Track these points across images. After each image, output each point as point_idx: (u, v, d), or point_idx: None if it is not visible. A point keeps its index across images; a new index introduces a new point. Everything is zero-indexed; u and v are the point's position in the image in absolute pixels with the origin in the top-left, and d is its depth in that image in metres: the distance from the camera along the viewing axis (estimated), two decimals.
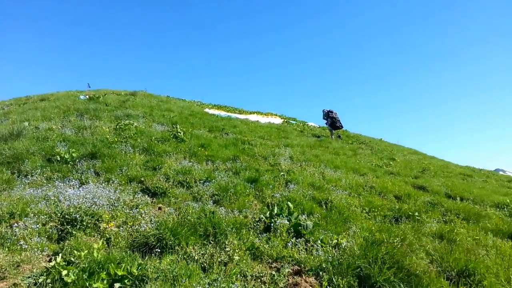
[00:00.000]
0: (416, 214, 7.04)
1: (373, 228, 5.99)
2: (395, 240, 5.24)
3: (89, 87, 21.34)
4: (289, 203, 6.09)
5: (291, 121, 23.89)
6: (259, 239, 5.06)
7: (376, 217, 6.92)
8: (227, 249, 4.55)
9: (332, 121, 19.06)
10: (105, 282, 3.44)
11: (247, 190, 7.18)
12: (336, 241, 5.19)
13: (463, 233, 6.39)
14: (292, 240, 5.04)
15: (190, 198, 6.58)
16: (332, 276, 4.19)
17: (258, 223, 5.59)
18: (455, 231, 6.31)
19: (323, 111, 19.72)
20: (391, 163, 14.23)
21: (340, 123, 19.19)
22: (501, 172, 29.44)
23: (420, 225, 6.64)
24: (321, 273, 4.31)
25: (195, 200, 6.49)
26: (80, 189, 5.85)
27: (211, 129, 13.89)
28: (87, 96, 16.64)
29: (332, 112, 19.29)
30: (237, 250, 4.56)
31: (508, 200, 9.60)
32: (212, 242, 4.74)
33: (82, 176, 6.72)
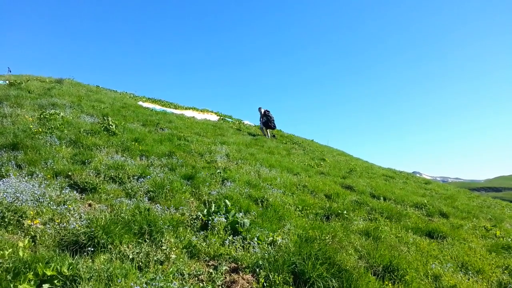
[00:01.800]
0: (345, 212, 7.44)
1: (306, 225, 6.23)
2: (327, 237, 5.50)
3: (10, 71, 19.44)
4: (226, 200, 6.11)
5: (227, 119, 23.89)
6: (196, 237, 5.00)
7: (309, 215, 7.21)
8: (164, 247, 4.43)
9: (267, 119, 19.46)
10: (32, 283, 3.18)
11: (184, 187, 7.06)
12: (272, 238, 5.31)
13: (387, 230, 6.89)
14: (229, 238, 5.06)
15: (123, 194, 6.31)
16: (269, 273, 4.28)
17: (196, 221, 5.53)
18: (380, 229, 6.78)
19: (259, 109, 20.01)
20: (321, 163, 14.85)
21: (274, 123, 19.65)
22: (418, 175, 32.13)
23: (349, 223, 7.04)
24: (257, 270, 4.38)
25: (128, 196, 6.23)
26: (0, 182, 5.34)
27: (145, 123, 13.43)
28: (7, 82, 15.20)
29: (268, 111, 19.70)
30: (174, 249, 4.46)
31: (425, 201, 10.52)
32: (148, 241, 4.59)
33: (2, 169, 6.14)
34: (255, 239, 5.16)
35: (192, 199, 6.74)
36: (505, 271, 6.13)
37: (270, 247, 5.01)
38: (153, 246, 4.45)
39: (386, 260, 5.19)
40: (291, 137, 23.36)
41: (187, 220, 5.51)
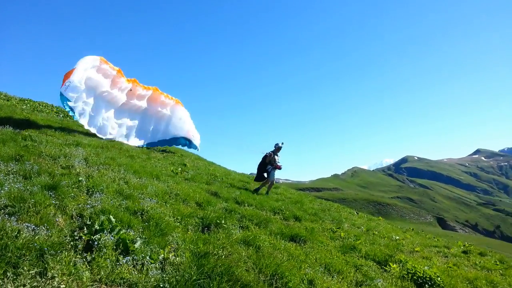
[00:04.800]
0: (223, 222, 7.59)
1: (193, 239, 6.14)
2: (219, 251, 5.57)
3: None
4: (111, 216, 5.50)
5: None
6: (83, 261, 4.44)
7: (188, 226, 7.10)
8: (49, 276, 3.83)
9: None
10: None
11: (47, 201, 6.14)
12: (163, 255, 5.09)
13: (264, 239, 7.30)
14: (120, 258, 4.66)
15: None
16: None
17: (77, 241, 4.88)
18: (257, 237, 7.16)
19: None
20: (184, 168, 14.77)
21: None
22: (253, 175, 34.48)
23: (228, 232, 7.21)
24: None
25: None
26: None
27: None
28: None
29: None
30: (63, 278, 3.90)
31: (282, 206, 11.51)
32: (25, 271, 3.89)
33: None
34: (147, 258, 4.87)
35: (60, 214, 5.92)
36: (357, 271, 7.24)
37: (168, 267, 4.80)
38: (37, 277, 3.79)
39: (272, 269, 5.54)
40: None
41: (67, 241, 4.83)
